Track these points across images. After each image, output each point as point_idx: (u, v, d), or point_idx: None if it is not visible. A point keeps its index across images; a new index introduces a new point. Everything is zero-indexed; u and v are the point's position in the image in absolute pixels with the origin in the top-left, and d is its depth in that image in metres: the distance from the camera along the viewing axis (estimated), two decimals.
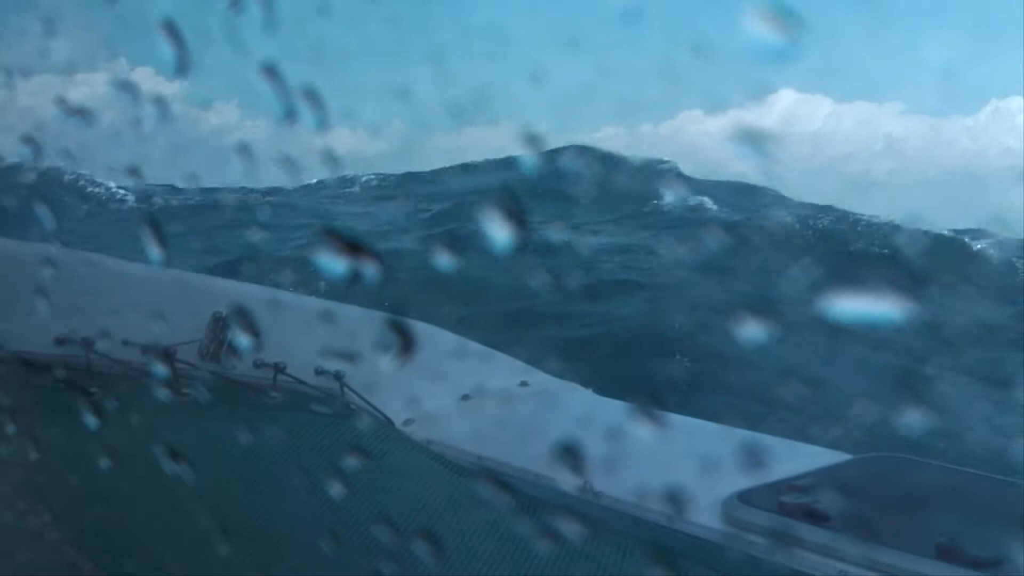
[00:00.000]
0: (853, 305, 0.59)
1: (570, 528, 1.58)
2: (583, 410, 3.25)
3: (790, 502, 2.09)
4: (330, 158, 1.12)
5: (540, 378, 3.53)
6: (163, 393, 2.10)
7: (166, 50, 1.15)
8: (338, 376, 3.01)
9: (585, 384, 3.65)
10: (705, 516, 2.13)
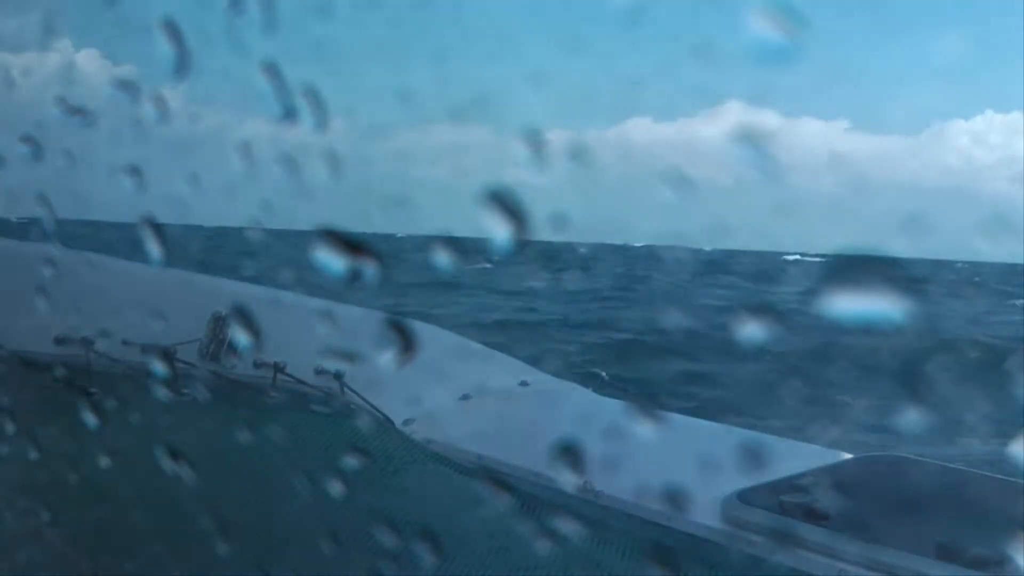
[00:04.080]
0: (853, 306, 0.59)
1: (570, 527, 1.58)
2: (583, 410, 3.25)
3: (790, 501, 2.09)
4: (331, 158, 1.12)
5: (540, 378, 3.53)
6: (163, 392, 2.10)
7: (165, 49, 1.15)
8: (338, 376, 3.01)
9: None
10: (705, 515, 2.13)
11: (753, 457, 2.19)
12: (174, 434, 2.07)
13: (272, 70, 1.00)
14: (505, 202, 0.77)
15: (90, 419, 1.97)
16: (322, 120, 0.99)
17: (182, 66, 1.14)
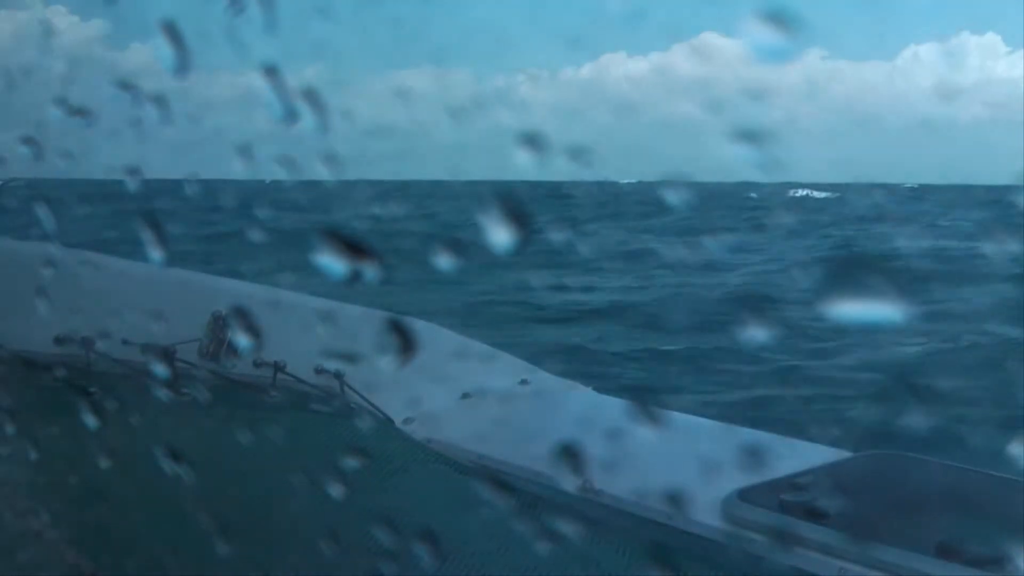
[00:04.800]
0: (852, 306, 0.59)
1: (570, 527, 1.58)
2: (583, 409, 3.25)
3: (790, 500, 2.09)
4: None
5: (540, 376, 3.53)
6: (163, 392, 2.10)
7: (165, 49, 1.14)
8: (338, 375, 3.01)
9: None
10: (705, 514, 2.13)
11: (753, 456, 2.19)
12: (174, 434, 2.07)
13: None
14: (507, 204, 0.76)
15: (90, 419, 1.97)
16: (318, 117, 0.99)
17: (182, 65, 1.14)
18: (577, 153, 0.82)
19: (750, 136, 0.75)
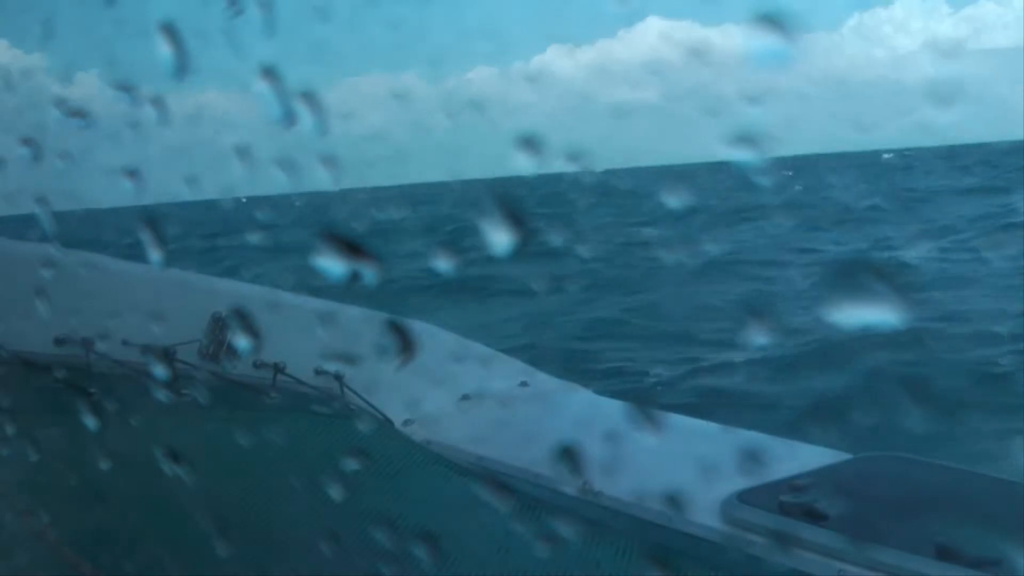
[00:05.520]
0: (852, 309, 0.59)
1: (570, 528, 1.58)
2: (583, 410, 3.25)
3: (789, 502, 2.09)
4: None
5: (540, 378, 3.53)
6: (163, 393, 2.10)
7: (164, 52, 1.15)
8: (338, 376, 3.01)
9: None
10: (705, 516, 2.13)
11: (752, 457, 2.19)
12: (174, 435, 2.07)
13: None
14: (506, 206, 0.77)
15: (90, 420, 1.97)
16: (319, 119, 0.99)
17: (181, 68, 1.14)
18: (533, 145, 0.82)
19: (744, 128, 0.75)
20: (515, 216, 0.77)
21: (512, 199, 0.76)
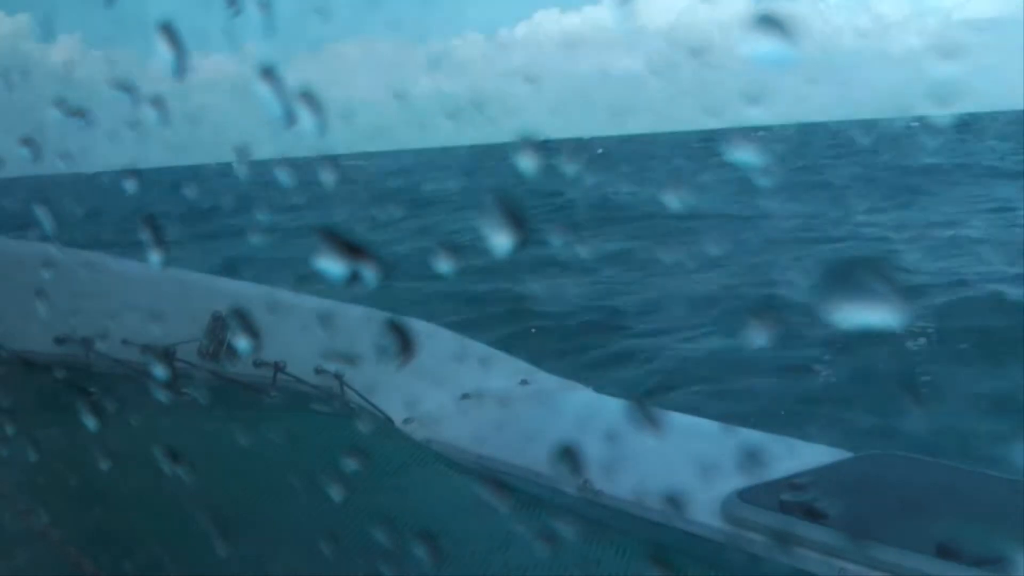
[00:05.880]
0: (851, 308, 0.59)
1: (570, 527, 1.58)
2: (583, 409, 3.25)
3: (790, 500, 2.09)
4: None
5: (540, 377, 3.53)
6: (162, 393, 2.10)
7: (164, 50, 1.14)
8: (338, 375, 3.01)
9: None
10: (705, 514, 2.13)
11: (753, 456, 2.19)
12: (174, 434, 2.07)
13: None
14: (506, 205, 0.77)
15: (90, 419, 1.97)
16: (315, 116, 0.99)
17: (181, 67, 1.14)
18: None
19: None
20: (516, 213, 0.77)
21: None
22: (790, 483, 2.16)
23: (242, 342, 1.80)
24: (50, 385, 2.61)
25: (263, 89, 0.97)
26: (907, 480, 2.31)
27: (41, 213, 2.03)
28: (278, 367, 2.99)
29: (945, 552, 1.82)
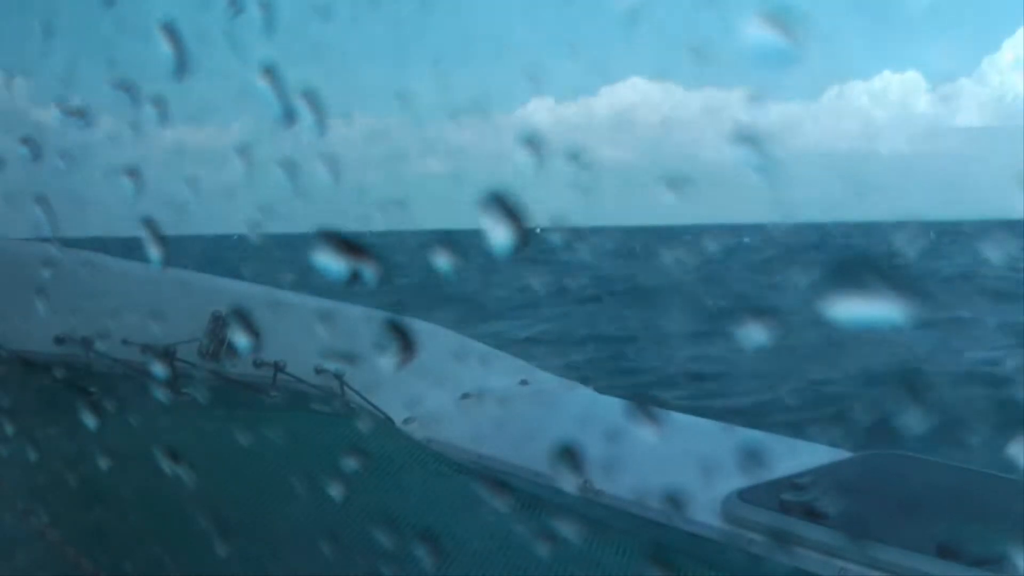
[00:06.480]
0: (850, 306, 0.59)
1: (570, 527, 1.58)
2: (583, 408, 3.25)
3: (790, 500, 2.09)
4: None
5: (540, 376, 3.53)
6: (163, 392, 2.10)
7: (165, 51, 1.14)
8: (338, 375, 3.01)
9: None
10: (705, 514, 2.13)
11: (753, 456, 2.19)
12: (174, 434, 2.07)
13: (271, 72, 1.00)
14: (505, 203, 0.77)
15: (90, 419, 1.97)
16: (322, 122, 0.99)
17: (181, 67, 1.14)
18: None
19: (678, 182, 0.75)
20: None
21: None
22: (790, 483, 2.16)
23: (242, 342, 1.80)
24: (50, 385, 2.61)
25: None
26: (907, 480, 2.31)
27: (41, 213, 2.03)
28: (278, 367, 2.99)
29: (945, 552, 1.82)
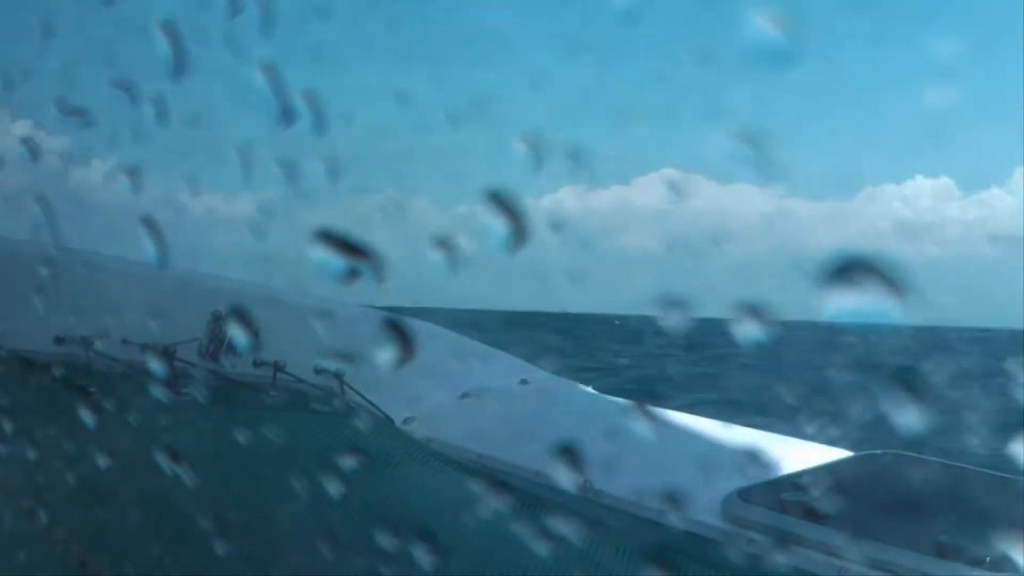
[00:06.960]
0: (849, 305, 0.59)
1: (570, 527, 1.58)
2: (583, 408, 3.25)
3: (790, 499, 2.09)
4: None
5: (540, 376, 3.53)
6: (162, 392, 2.10)
7: (163, 50, 1.14)
8: (338, 374, 3.01)
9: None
10: (705, 513, 2.13)
11: (753, 455, 2.19)
12: (174, 433, 2.07)
13: (271, 71, 1.00)
14: (504, 202, 0.77)
15: (89, 418, 1.97)
16: (320, 122, 0.99)
17: (180, 67, 1.14)
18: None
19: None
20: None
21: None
22: (790, 483, 2.16)
23: (242, 341, 1.80)
24: (50, 385, 2.61)
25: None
26: (907, 480, 2.30)
27: (41, 213, 2.03)
28: (278, 367, 2.99)
29: (945, 551, 1.82)
